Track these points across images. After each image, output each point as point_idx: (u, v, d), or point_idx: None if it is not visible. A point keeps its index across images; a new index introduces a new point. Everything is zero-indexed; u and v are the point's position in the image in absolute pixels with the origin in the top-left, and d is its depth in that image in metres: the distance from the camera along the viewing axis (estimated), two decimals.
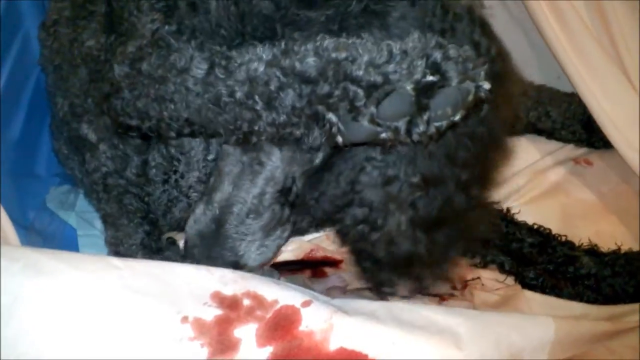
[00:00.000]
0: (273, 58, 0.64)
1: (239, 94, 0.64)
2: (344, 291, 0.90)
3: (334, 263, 1.02)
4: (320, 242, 1.01)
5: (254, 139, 0.66)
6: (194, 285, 0.66)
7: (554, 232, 1.06)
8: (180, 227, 0.87)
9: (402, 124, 0.61)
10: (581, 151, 1.28)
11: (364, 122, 0.61)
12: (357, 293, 0.90)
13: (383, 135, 0.62)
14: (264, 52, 0.65)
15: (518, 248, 1.04)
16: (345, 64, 0.61)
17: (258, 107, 0.64)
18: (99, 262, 0.64)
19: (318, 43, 0.64)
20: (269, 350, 0.63)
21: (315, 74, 0.62)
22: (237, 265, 0.78)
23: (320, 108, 0.62)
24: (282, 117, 0.64)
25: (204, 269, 0.69)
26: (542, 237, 1.05)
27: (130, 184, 0.82)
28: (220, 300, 0.66)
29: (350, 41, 0.63)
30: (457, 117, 0.62)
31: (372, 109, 0.61)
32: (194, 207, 0.79)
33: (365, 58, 0.61)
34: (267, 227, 0.79)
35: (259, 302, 0.67)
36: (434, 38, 0.63)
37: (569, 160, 1.25)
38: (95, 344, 0.60)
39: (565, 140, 1.28)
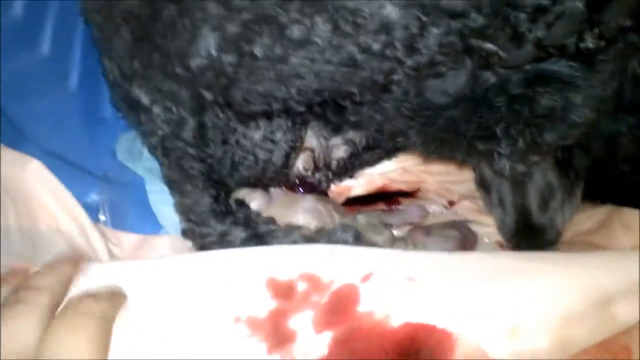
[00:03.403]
0: None
1: (375, 47, 0.57)
2: (427, 233, 0.86)
3: (409, 194, 0.97)
4: (395, 175, 0.96)
5: (395, 88, 0.62)
6: (249, 275, 0.65)
7: None
8: (249, 183, 0.85)
9: (571, 42, 0.55)
10: None
11: (528, 47, 0.56)
12: (441, 233, 0.86)
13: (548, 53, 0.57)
14: None
15: None
16: None
17: (399, 55, 0.57)
18: None
19: None
20: (328, 335, 0.62)
21: (465, 6, 0.54)
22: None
23: (475, 42, 0.56)
24: (426, 57, 0.57)
25: (258, 251, 0.68)
26: None
27: (188, 145, 0.79)
28: (275, 288, 0.64)
29: None
30: (628, 23, 0.55)
31: (539, 33, 0.54)
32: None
33: None
34: (566, 197, 0.80)
35: (315, 284, 0.65)
36: None
37: None
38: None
39: None
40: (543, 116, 0.63)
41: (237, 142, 0.81)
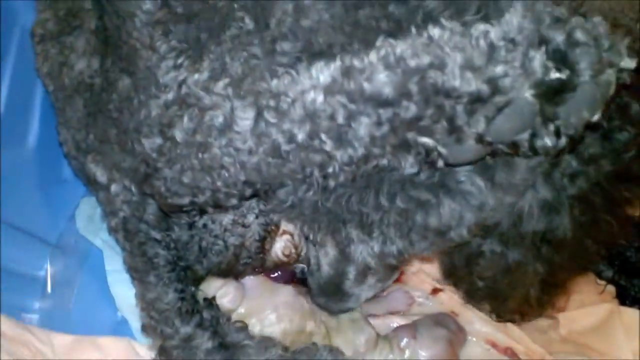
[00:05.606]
0: (332, 82, 0.49)
1: (300, 137, 0.50)
2: (414, 334, 0.78)
3: None
4: None
5: (332, 183, 0.55)
6: None
7: None
8: (220, 271, 0.76)
9: (523, 139, 0.47)
10: None
11: (470, 143, 0.47)
12: (429, 333, 0.78)
13: (498, 150, 0.49)
14: (319, 74, 0.49)
15: (619, 253, 0.87)
16: (432, 74, 0.45)
17: (327, 148, 0.50)
18: None
19: (384, 51, 0.47)
20: None
21: (394, 93, 0.46)
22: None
23: (410, 135, 0.48)
24: (360, 151, 0.50)
25: None
26: None
27: (152, 228, 0.71)
28: None
29: (426, 37, 0.46)
30: (596, 117, 0.46)
31: (479, 127, 0.46)
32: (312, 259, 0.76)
33: (458, 59, 0.45)
34: (383, 278, 0.75)
35: None
36: (546, 9, 0.45)
37: None
38: None
39: None
40: (433, 230, 0.58)
41: (205, 226, 0.73)
